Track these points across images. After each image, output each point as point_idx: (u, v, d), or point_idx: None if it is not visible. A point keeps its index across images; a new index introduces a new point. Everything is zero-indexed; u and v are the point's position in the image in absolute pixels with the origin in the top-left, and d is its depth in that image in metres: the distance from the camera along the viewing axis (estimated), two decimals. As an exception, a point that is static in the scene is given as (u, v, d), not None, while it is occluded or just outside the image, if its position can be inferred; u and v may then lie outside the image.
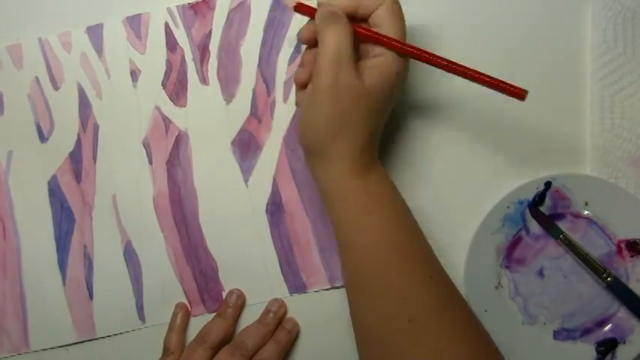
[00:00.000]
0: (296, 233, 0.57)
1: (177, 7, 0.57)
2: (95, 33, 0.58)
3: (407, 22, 0.48)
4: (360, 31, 0.47)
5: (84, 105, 0.58)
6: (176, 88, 0.57)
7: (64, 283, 0.57)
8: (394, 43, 0.47)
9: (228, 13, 0.57)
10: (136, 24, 0.58)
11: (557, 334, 0.55)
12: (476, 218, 0.55)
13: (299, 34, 0.50)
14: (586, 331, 0.55)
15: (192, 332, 0.56)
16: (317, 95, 0.46)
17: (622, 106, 0.56)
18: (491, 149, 0.57)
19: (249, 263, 0.57)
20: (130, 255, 0.57)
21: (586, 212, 0.55)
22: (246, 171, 0.57)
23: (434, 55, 0.47)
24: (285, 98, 0.57)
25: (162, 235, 0.57)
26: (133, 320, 0.57)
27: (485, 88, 0.47)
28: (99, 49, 0.58)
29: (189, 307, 0.57)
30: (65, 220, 0.58)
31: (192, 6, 0.57)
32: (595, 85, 0.56)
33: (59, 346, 0.57)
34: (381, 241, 0.47)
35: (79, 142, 0.58)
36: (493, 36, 0.57)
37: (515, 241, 0.55)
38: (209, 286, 0.57)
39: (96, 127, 0.58)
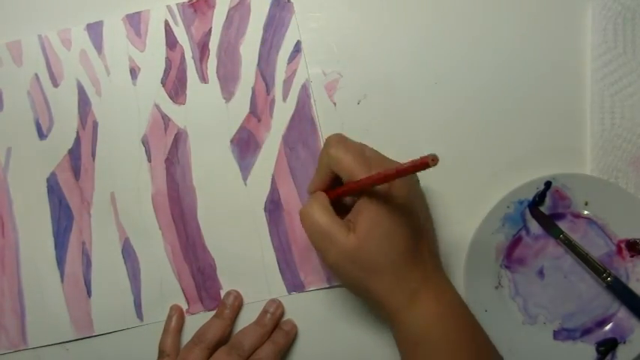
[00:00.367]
0: (294, 232, 0.57)
1: (177, 4, 0.57)
2: (95, 30, 0.58)
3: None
4: (332, 196, 0.50)
5: (83, 102, 0.58)
6: (175, 86, 0.58)
7: (62, 280, 0.57)
8: (352, 187, 0.48)
9: (228, 12, 0.57)
10: (135, 22, 0.58)
11: (557, 334, 0.55)
12: (476, 218, 0.55)
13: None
14: (586, 331, 0.54)
15: (190, 330, 0.56)
16: (325, 264, 0.52)
17: (622, 106, 0.56)
18: (492, 149, 0.57)
19: (247, 261, 0.57)
20: (128, 252, 0.57)
21: (586, 212, 0.55)
22: (245, 169, 0.57)
23: (373, 177, 0.47)
24: (285, 97, 0.57)
25: (160, 232, 0.57)
26: (130, 318, 0.57)
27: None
28: (98, 46, 0.58)
29: (186, 305, 0.57)
30: (64, 217, 0.58)
31: (192, 4, 0.57)
32: (595, 85, 0.56)
33: (57, 344, 0.57)
34: None
35: (78, 140, 0.58)
36: (493, 36, 0.57)
37: (515, 241, 0.55)
38: (207, 284, 0.57)
39: (95, 125, 0.58)
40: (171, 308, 0.57)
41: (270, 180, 0.57)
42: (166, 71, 0.58)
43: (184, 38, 0.57)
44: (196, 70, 0.57)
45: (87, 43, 0.58)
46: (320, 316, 0.57)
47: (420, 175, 0.56)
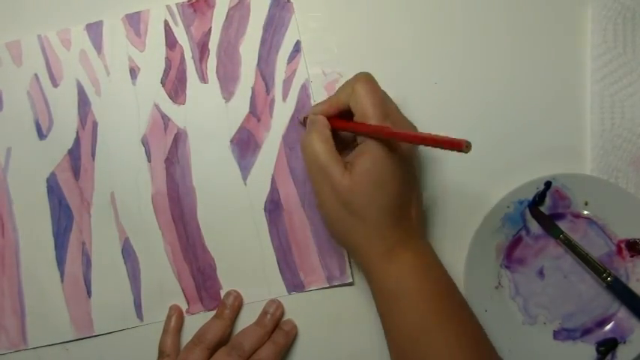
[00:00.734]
0: (294, 232, 0.57)
1: (177, 4, 0.57)
2: (94, 30, 0.58)
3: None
4: (336, 125, 0.50)
5: (83, 102, 0.58)
6: (175, 85, 0.57)
7: (62, 280, 0.57)
8: (363, 128, 0.48)
9: (228, 12, 0.57)
10: (135, 21, 0.58)
11: (557, 334, 0.55)
12: (476, 218, 0.55)
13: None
14: (586, 331, 0.54)
15: (190, 331, 0.56)
16: (315, 198, 0.51)
17: (622, 106, 0.56)
18: (492, 149, 0.57)
19: (247, 261, 0.57)
20: (128, 252, 0.57)
21: (586, 212, 0.55)
22: (245, 169, 0.57)
23: (401, 133, 0.47)
24: (285, 97, 0.57)
25: (160, 232, 0.57)
26: (130, 318, 0.57)
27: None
28: (98, 46, 0.58)
29: (186, 305, 0.57)
30: (64, 217, 0.57)
31: (191, 4, 0.57)
32: (595, 85, 0.56)
33: (57, 344, 0.57)
34: (411, 324, 0.48)
35: (77, 140, 0.58)
36: (493, 36, 0.57)
37: (515, 241, 0.55)
38: (207, 284, 0.57)
39: (95, 125, 0.58)
40: (171, 308, 0.57)
41: (270, 180, 0.57)
42: (166, 71, 0.57)
43: (184, 38, 0.57)
44: (196, 70, 0.57)
45: (86, 43, 0.58)
46: (320, 316, 0.57)
47: (420, 175, 0.56)
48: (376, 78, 0.56)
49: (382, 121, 0.47)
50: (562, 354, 0.54)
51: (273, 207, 0.57)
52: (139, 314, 0.57)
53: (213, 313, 0.56)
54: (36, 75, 0.58)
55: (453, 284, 0.51)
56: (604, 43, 0.56)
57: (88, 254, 0.57)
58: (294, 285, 0.57)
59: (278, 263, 0.57)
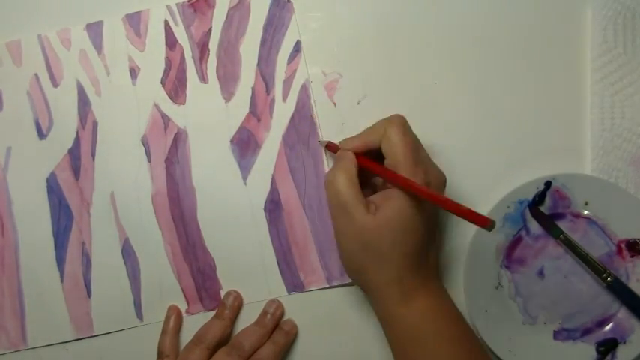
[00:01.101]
0: (294, 232, 0.57)
1: (177, 4, 0.57)
2: (95, 30, 0.58)
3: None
4: (364, 165, 0.50)
5: (83, 102, 0.58)
6: (175, 85, 0.57)
7: (62, 280, 0.57)
8: (391, 176, 0.48)
9: (228, 12, 0.57)
10: (135, 21, 0.58)
11: (557, 334, 0.55)
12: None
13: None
14: (586, 331, 0.54)
15: (190, 331, 0.56)
16: (335, 234, 0.50)
17: (622, 106, 0.56)
18: (491, 149, 0.57)
19: (247, 261, 0.57)
20: (128, 252, 0.57)
21: (586, 212, 0.55)
22: (245, 169, 0.57)
23: (426, 192, 0.47)
24: (285, 97, 0.57)
25: (160, 232, 0.57)
26: (130, 318, 0.57)
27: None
28: (98, 46, 0.58)
29: (186, 305, 0.57)
30: (63, 217, 0.57)
31: (191, 4, 0.57)
32: (595, 85, 0.56)
33: (57, 344, 0.57)
34: None
35: (77, 140, 0.58)
36: (493, 36, 0.57)
37: (515, 241, 0.55)
38: (207, 284, 0.57)
39: (95, 125, 0.58)
40: (169, 309, 0.57)
41: (269, 180, 0.57)
42: (166, 71, 0.57)
43: (184, 38, 0.57)
44: (196, 70, 0.57)
45: (87, 43, 0.58)
46: (320, 316, 0.57)
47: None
48: (376, 78, 0.57)
49: (412, 171, 0.48)
50: (562, 354, 0.54)
51: (273, 207, 0.57)
52: (139, 314, 0.57)
53: (213, 313, 0.56)
54: (36, 75, 0.58)
55: (468, 326, 0.51)
56: (604, 43, 0.56)
57: (88, 254, 0.57)
58: (294, 285, 0.57)
59: (278, 263, 0.57)
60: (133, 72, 0.58)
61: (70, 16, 0.58)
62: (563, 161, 0.56)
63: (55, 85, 0.58)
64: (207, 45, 0.57)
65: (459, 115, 0.57)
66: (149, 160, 0.57)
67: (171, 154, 0.57)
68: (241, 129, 0.57)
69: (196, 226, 0.57)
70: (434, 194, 0.46)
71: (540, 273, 0.55)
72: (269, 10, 0.57)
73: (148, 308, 0.57)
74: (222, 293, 0.57)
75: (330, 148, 0.55)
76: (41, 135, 0.58)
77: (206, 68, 0.57)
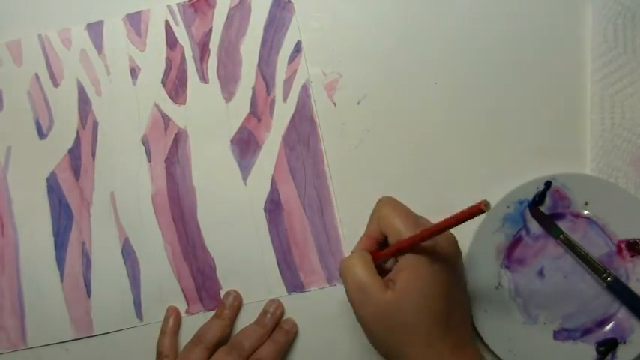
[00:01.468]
0: (294, 232, 0.57)
1: (178, 4, 0.58)
2: (95, 30, 0.58)
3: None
4: (378, 258, 0.49)
5: (83, 102, 0.58)
6: (176, 85, 0.58)
7: (62, 280, 0.57)
8: (399, 245, 0.48)
9: (229, 12, 0.57)
10: (136, 21, 0.58)
11: (557, 334, 0.55)
12: (476, 218, 0.54)
13: None
14: (586, 331, 0.54)
15: (189, 331, 0.56)
16: (358, 320, 0.49)
17: (622, 106, 0.56)
18: (492, 149, 0.57)
19: (247, 261, 0.57)
20: (128, 252, 0.57)
21: (586, 212, 0.55)
22: (245, 169, 0.57)
23: (432, 229, 0.46)
24: (285, 97, 0.57)
25: (160, 232, 0.57)
26: (130, 318, 0.57)
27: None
28: (99, 46, 0.58)
29: (186, 305, 0.57)
30: (64, 217, 0.57)
31: (192, 4, 0.57)
32: (595, 85, 0.56)
33: (57, 343, 0.57)
34: None
35: (78, 139, 0.58)
36: (493, 36, 0.57)
37: (515, 241, 0.55)
38: (207, 284, 0.57)
39: (95, 124, 0.58)
40: (168, 309, 0.57)
41: (270, 180, 0.57)
42: (166, 71, 0.58)
43: (185, 38, 0.58)
44: (196, 70, 0.57)
45: (87, 42, 0.58)
46: (320, 316, 0.57)
47: (421, 175, 0.56)
48: (376, 78, 0.57)
49: (414, 229, 0.47)
50: (562, 354, 0.54)
51: (273, 207, 0.57)
52: (139, 314, 0.57)
53: (213, 313, 0.56)
54: (36, 74, 0.58)
55: None
56: (604, 43, 0.56)
57: (88, 254, 0.57)
58: (294, 285, 0.57)
59: (278, 263, 0.57)
60: (134, 72, 0.58)
61: (70, 16, 0.58)
62: (563, 161, 0.56)
63: (56, 84, 0.58)
64: (208, 45, 0.57)
65: (459, 115, 0.57)
66: (149, 160, 0.57)
67: (172, 154, 0.57)
68: (242, 129, 0.57)
69: (196, 226, 0.57)
70: (434, 226, 0.45)
71: (540, 273, 0.55)
72: (270, 11, 0.57)
73: (147, 308, 0.57)
74: (222, 293, 0.57)
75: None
76: (41, 135, 0.58)
77: (207, 68, 0.57)
